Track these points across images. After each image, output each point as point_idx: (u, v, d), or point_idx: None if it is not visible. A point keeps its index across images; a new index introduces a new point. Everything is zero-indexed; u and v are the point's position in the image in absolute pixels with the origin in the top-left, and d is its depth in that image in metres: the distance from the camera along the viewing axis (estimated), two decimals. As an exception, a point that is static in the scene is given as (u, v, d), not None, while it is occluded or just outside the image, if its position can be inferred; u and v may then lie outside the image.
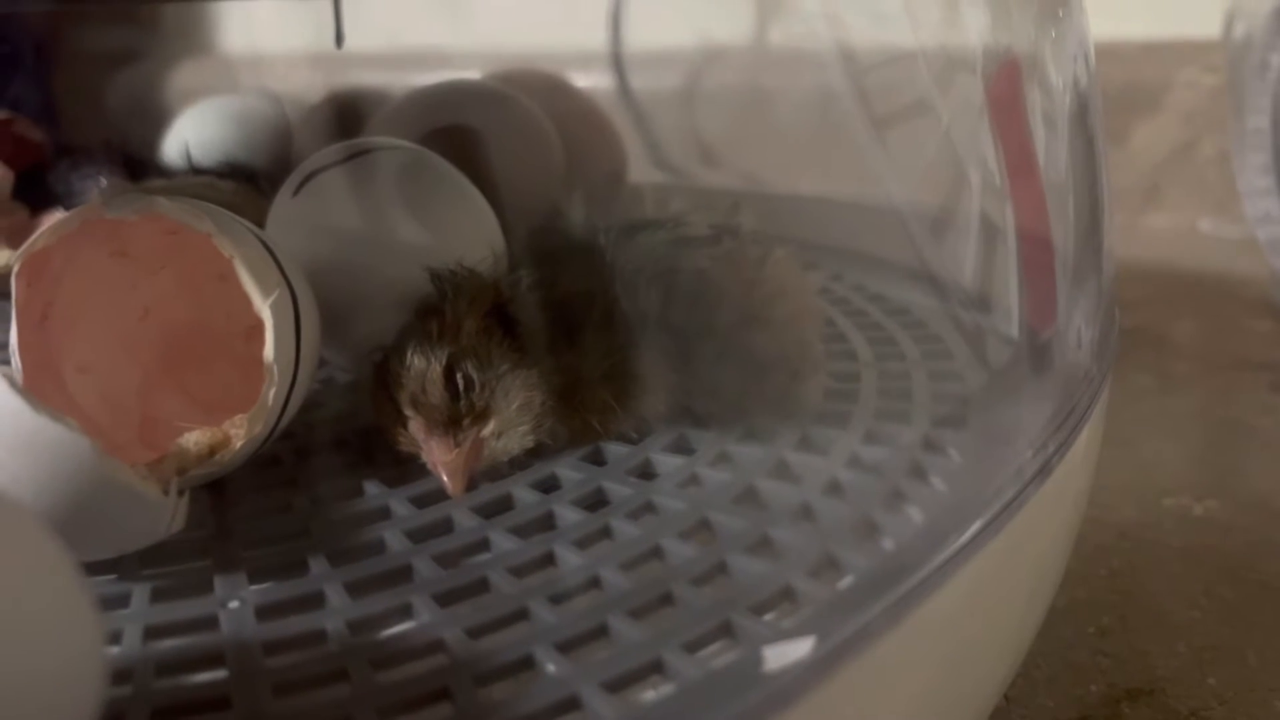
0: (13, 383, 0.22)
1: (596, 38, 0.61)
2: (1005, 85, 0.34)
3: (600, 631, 0.22)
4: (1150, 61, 0.90)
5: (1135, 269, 0.79)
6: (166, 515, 0.24)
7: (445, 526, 0.27)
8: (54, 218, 0.48)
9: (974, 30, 0.34)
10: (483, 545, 0.26)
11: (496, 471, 0.29)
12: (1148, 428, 0.54)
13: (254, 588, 0.25)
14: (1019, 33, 0.36)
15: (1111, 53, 0.89)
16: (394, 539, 0.26)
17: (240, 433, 0.27)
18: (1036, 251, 0.33)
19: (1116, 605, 0.38)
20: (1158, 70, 0.91)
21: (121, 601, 0.24)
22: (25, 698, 0.15)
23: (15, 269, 0.28)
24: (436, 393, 0.28)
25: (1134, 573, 0.41)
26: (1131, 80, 0.91)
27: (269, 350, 0.27)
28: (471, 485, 0.28)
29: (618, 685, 0.20)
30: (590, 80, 0.60)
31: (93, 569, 0.25)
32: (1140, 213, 0.93)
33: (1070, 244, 0.34)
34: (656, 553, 0.25)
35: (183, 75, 0.71)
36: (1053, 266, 0.34)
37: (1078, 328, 0.34)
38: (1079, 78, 0.36)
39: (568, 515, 0.27)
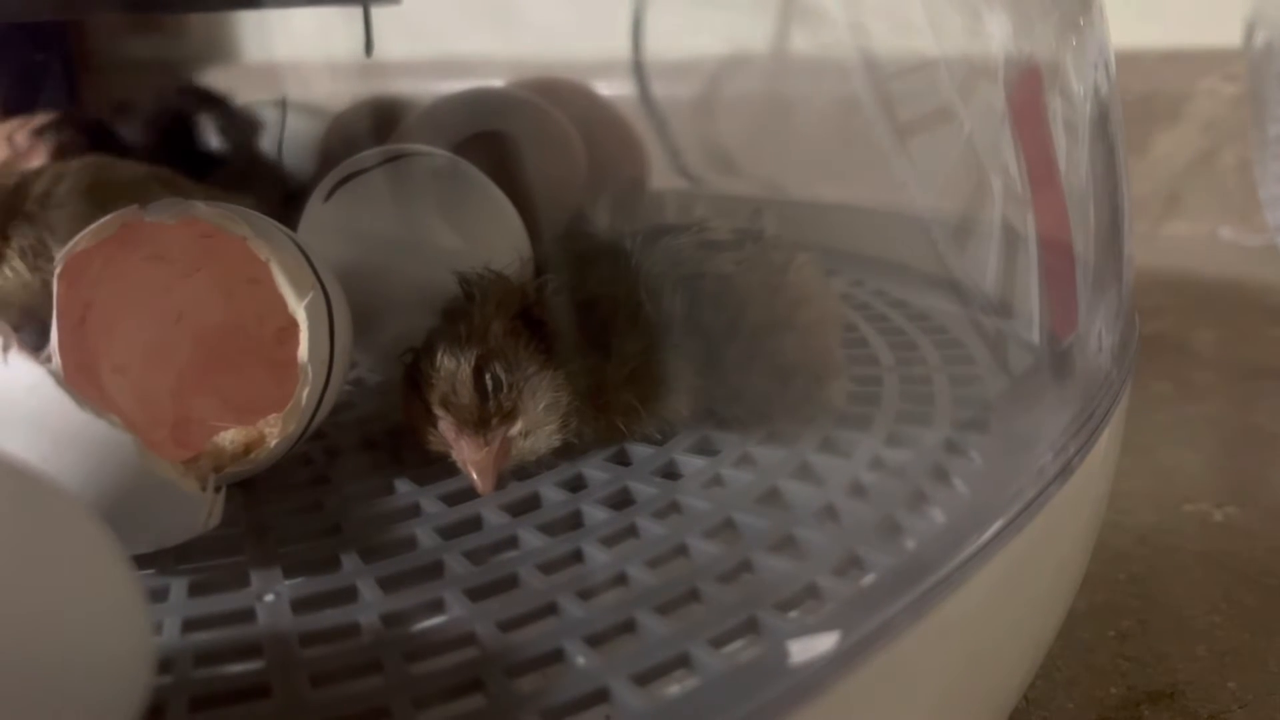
0: (58, 379, 0.22)
1: (619, 46, 0.61)
2: (1027, 93, 0.34)
3: (628, 626, 0.23)
4: (1171, 70, 0.90)
5: (1155, 277, 0.79)
6: (204, 511, 0.25)
7: (475, 524, 0.28)
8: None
9: (996, 38, 0.35)
10: (512, 542, 0.27)
11: (525, 471, 0.30)
12: (1168, 435, 0.54)
13: (289, 582, 0.25)
14: (1040, 41, 0.36)
15: (1132, 61, 0.89)
16: (425, 536, 0.27)
17: (275, 431, 0.28)
18: (1057, 258, 0.34)
19: (1137, 609, 0.39)
20: (1178, 79, 0.91)
21: (160, 595, 0.25)
22: (80, 684, 0.16)
23: (56, 271, 0.28)
24: (466, 393, 0.28)
25: (1154, 578, 0.41)
26: (1152, 89, 0.91)
27: (303, 350, 0.28)
28: (500, 484, 0.29)
29: (645, 678, 0.21)
30: (613, 88, 0.60)
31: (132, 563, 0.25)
32: (1160, 221, 0.93)
33: (1091, 250, 0.35)
34: (682, 551, 0.25)
35: (210, 82, 0.72)
36: (1074, 273, 0.34)
37: (1098, 333, 0.34)
38: (1100, 86, 0.36)
39: (595, 514, 0.28)
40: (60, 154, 0.52)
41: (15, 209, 0.40)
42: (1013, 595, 0.26)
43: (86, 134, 0.55)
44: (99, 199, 0.39)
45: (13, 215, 0.40)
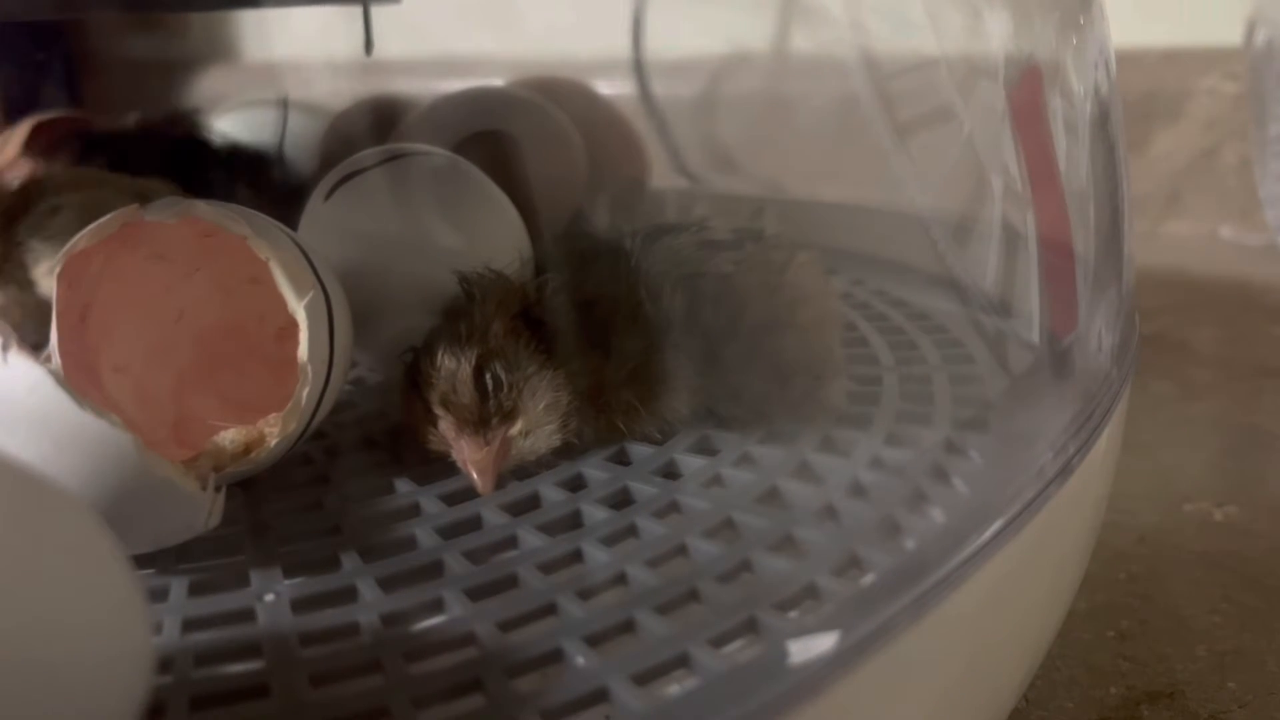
0: (58, 379, 0.22)
1: (619, 45, 0.61)
2: (1027, 92, 0.34)
3: (627, 626, 0.23)
4: (1171, 69, 0.90)
5: (1156, 276, 0.79)
6: (204, 510, 0.25)
7: (474, 523, 0.28)
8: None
9: (996, 37, 0.35)
10: (511, 542, 0.27)
11: (524, 470, 0.30)
12: (1168, 434, 0.54)
13: (289, 582, 0.25)
14: (1041, 40, 0.36)
15: (1132, 60, 0.89)
16: (425, 535, 0.27)
17: (275, 431, 0.28)
18: (1058, 257, 0.34)
19: (1136, 609, 0.39)
20: (1179, 78, 0.91)
21: (160, 595, 0.25)
22: (79, 684, 0.16)
23: (57, 270, 0.28)
24: (466, 393, 0.28)
25: (1154, 577, 0.41)
26: (1152, 87, 0.91)
27: (303, 350, 0.28)
28: (500, 483, 0.29)
29: (645, 678, 0.21)
30: (613, 87, 0.60)
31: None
32: (1161, 220, 0.93)
33: (1091, 250, 0.35)
34: (682, 550, 0.25)
35: (210, 82, 0.72)
36: (1074, 272, 0.34)
37: (1098, 332, 0.34)
38: (1100, 85, 0.36)
39: (594, 513, 0.28)
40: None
41: (14, 221, 0.40)
42: (1012, 595, 0.26)
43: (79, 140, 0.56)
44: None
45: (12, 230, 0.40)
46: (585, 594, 0.24)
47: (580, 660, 0.21)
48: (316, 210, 0.36)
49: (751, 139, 0.58)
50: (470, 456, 0.28)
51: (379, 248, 0.35)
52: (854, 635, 0.21)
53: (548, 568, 0.25)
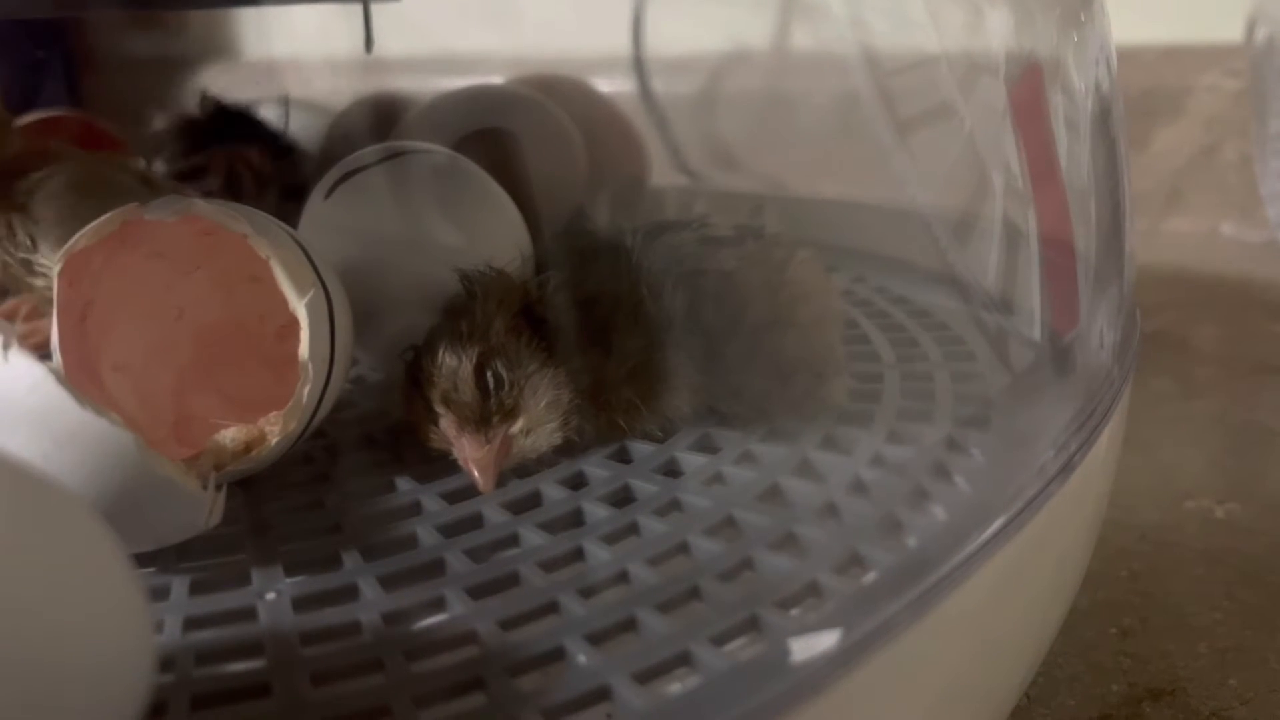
0: (59, 377, 0.22)
1: (619, 42, 0.61)
2: (1028, 89, 0.34)
3: (629, 624, 0.22)
4: (1172, 66, 0.90)
5: (1157, 273, 0.79)
6: (205, 509, 0.25)
7: (476, 522, 0.28)
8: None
9: (997, 35, 0.35)
10: (513, 540, 0.27)
11: (525, 469, 0.30)
12: (1169, 431, 0.54)
13: (290, 580, 0.25)
14: (1041, 37, 0.36)
15: (1133, 57, 0.89)
16: (426, 534, 0.27)
17: (275, 429, 0.28)
18: (1059, 255, 0.34)
19: (1138, 606, 0.39)
20: (1179, 74, 0.91)
21: (161, 593, 0.25)
22: (81, 683, 0.16)
23: (58, 268, 0.28)
24: (468, 391, 0.28)
25: (1155, 575, 0.41)
26: (1153, 84, 0.91)
27: (304, 348, 0.28)
28: (501, 482, 0.29)
29: (647, 676, 0.21)
30: (613, 84, 0.60)
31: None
32: (1162, 217, 0.93)
33: (1092, 247, 0.35)
34: (683, 548, 0.25)
35: (209, 80, 0.72)
36: (1075, 269, 0.34)
37: (1099, 330, 0.34)
38: (1101, 82, 0.36)
39: (596, 511, 0.28)
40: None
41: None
42: (1014, 592, 0.26)
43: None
44: (86, 195, 0.39)
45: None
46: (587, 592, 0.24)
47: (582, 658, 0.21)
48: (317, 208, 0.36)
49: (752, 136, 0.58)
50: (471, 454, 0.28)
51: (379, 246, 0.34)
52: (856, 633, 0.21)
53: (549, 566, 0.25)
